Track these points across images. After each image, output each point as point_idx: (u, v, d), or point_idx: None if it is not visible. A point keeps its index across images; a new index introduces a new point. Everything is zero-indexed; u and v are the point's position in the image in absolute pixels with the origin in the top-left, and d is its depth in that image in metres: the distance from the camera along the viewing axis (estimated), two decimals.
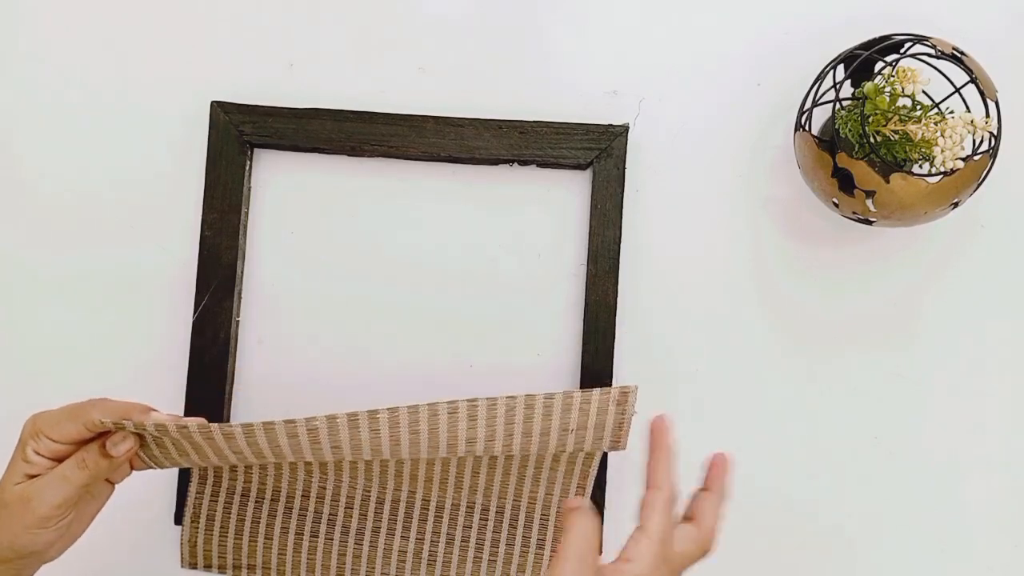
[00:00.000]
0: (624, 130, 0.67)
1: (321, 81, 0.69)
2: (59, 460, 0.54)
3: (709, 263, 0.68)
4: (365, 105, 0.68)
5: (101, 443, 0.55)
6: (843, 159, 0.58)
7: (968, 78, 0.59)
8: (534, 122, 0.67)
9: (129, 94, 0.70)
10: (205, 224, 0.68)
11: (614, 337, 0.66)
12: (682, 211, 0.68)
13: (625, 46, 0.69)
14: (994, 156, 0.58)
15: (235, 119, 0.68)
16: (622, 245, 0.67)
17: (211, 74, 0.70)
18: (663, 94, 0.68)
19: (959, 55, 0.58)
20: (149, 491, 0.68)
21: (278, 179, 0.70)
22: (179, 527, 0.68)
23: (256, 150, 0.69)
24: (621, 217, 0.67)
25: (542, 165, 0.68)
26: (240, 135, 0.68)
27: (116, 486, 0.58)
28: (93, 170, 0.70)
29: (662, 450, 0.52)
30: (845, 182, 0.58)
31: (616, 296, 0.67)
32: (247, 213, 0.69)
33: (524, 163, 0.68)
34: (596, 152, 0.67)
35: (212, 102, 0.68)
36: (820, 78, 0.61)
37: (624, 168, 0.67)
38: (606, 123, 0.67)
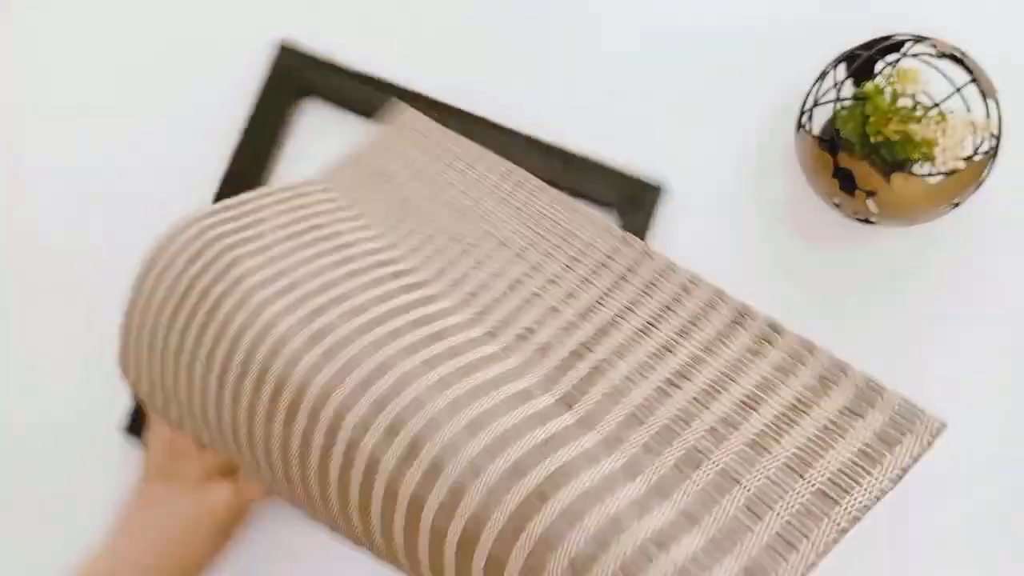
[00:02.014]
0: (658, 190, 0.66)
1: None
2: None
3: (709, 263, 0.68)
4: (429, 90, 0.68)
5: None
6: (844, 159, 0.58)
7: (968, 78, 0.59)
8: (581, 156, 0.67)
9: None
10: (235, 158, 0.68)
11: None
12: (682, 210, 0.68)
13: (625, 47, 0.69)
14: (994, 156, 0.58)
15: (297, 63, 0.68)
16: None
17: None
18: (663, 94, 0.68)
19: (959, 55, 0.58)
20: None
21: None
22: (132, 437, 0.68)
23: (307, 99, 0.69)
24: None
25: (573, 195, 0.67)
26: (298, 81, 0.68)
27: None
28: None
29: None
30: (846, 182, 0.58)
31: None
32: (279, 155, 0.69)
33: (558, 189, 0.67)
34: (628, 202, 0.66)
35: (281, 42, 0.68)
36: (820, 78, 0.61)
37: (649, 223, 0.66)
38: (647, 178, 0.66)
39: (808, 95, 0.61)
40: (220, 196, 0.67)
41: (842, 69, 0.61)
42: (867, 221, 0.61)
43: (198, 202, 0.68)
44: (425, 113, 0.66)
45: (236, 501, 0.57)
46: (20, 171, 0.72)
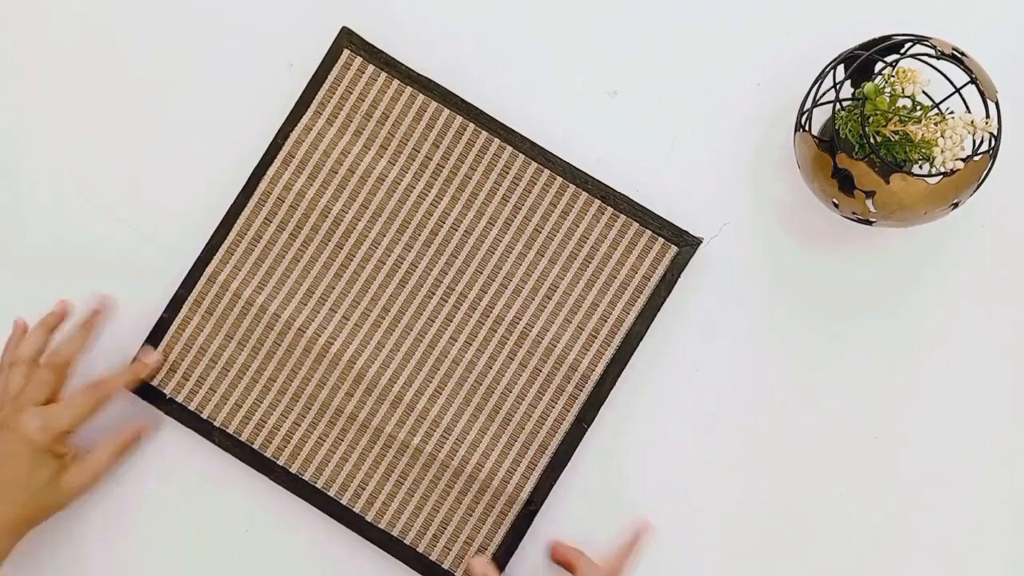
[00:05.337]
0: (697, 243, 0.66)
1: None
2: None
3: (708, 263, 0.68)
4: (480, 99, 0.68)
5: (126, 437, 0.67)
6: (843, 159, 0.58)
7: (968, 78, 0.58)
8: (621, 194, 0.67)
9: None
10: (280, 133, 0.68)
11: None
12: (682, 210, 0.68)
13: (625, 47, 0.69)
14: (994, 156, 0.58)
15: (355, 50, 0.68)
16: None
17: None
18: (663, 94, 0.68)
19: (959, 55, 0.58)
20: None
21: None
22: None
23: None
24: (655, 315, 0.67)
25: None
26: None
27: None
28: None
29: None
30: (845, 182, 0.58)
31: None
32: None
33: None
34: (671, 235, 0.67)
35: (343, 27, 0.69)
36: (820, 78, 0.61)
37: (678, 278, 0.66)
38: (685, 228, 0.67)
39: (807, 96, 0.61)
40: (274, 145, 0.69)
41: (841, 70, 0.61)
42: (866, 221, 0.61)
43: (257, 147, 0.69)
44: (480, 125, 0.67)
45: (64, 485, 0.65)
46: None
